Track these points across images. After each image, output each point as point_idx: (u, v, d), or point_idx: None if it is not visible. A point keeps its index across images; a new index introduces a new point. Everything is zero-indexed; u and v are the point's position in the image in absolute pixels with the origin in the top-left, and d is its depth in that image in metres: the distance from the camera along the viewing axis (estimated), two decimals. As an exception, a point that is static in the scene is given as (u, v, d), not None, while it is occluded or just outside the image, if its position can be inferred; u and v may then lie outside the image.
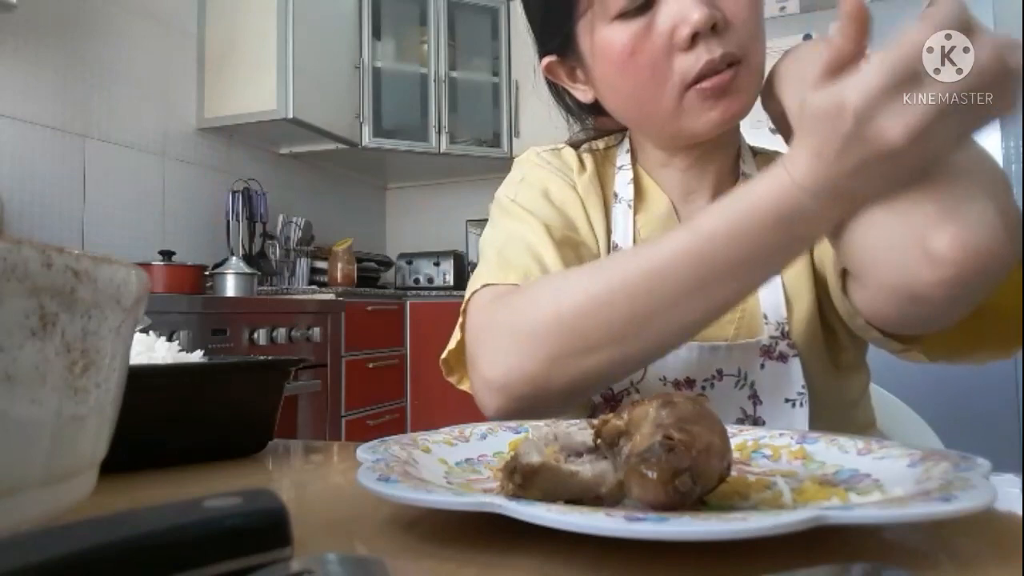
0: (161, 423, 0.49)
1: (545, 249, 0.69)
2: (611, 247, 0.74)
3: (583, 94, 0.75)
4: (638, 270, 0.53)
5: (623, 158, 0.79)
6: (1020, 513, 0.36)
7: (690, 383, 0.67)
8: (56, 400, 0.25)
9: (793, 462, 0.43)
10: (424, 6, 3.36)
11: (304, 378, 2.33)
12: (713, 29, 0.63)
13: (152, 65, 2.62)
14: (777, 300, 0.70)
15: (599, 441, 0.37)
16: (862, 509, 0.28)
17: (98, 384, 0.28)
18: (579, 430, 0.39)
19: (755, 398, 0.67)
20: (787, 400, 0.66)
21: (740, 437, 0.47)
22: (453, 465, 0.43)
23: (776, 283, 0.70)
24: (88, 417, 0.28)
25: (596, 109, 0.76)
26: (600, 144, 0.82)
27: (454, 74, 3.40)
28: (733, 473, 0.40)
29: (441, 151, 3.29)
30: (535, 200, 0.75)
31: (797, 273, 0.71)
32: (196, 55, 2.82)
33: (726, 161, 0.76)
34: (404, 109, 3.33)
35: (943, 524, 0.35)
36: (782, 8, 2.93)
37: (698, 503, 0.34)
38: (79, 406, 0.27)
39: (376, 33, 3.27)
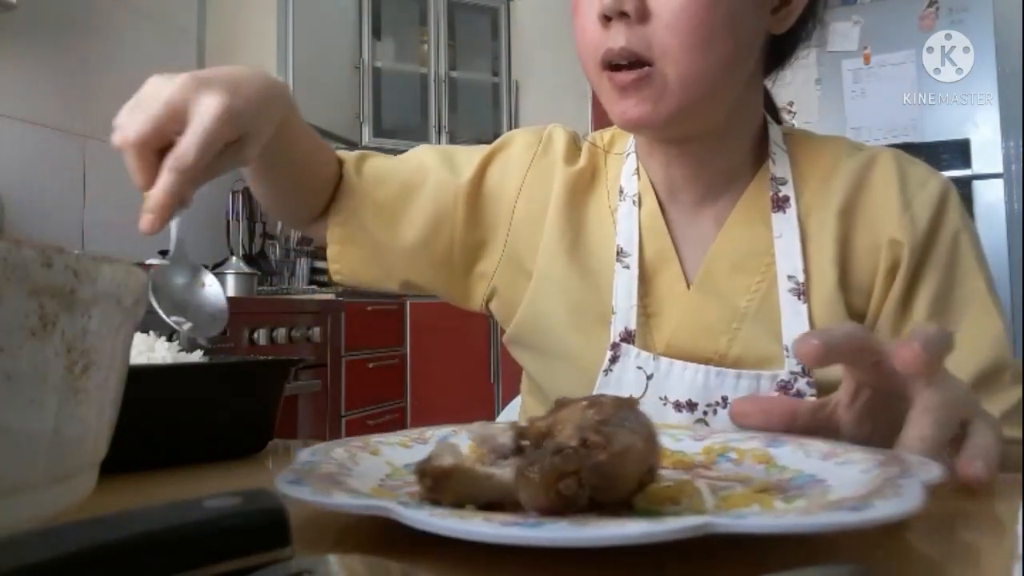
0: (161, 423, 0.49)
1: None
2: (618, 251, 0.69)
3: None
4: None
5: (630, 142, 0.74)
6: (1020, 513, 0.36)
7: (691, 406, 0.64)
8: (56, 400, 0.25)
9: (755, 466, 0.43)
10: (424, 6, 3.36)
11: (304, 378, 2.33)
12: (627, 15, 0.59)
13: (152, 65, 2.60)
14: (801, 332, 0.63)
15: (526, 443, 0.37)
16: (755, 518, 0.28)
17: (98, 384, 0.28)
18: (502, 432, 0.39)
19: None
20: None
21: (708, 440, 0.47)
22: (399, 467, 0.43)
23: (801, 312, 0.64)
24: (88, 417, 0.28)
25: None
26: (606, 136, 0.78)
27: (454, 74, 3.40)
28: (685, 477, 0.40)
29: (441, 151, 3.29)
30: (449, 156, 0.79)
31: (832, 313, 0.64)
32: (196, 55, 2.82)
33: (725, 159, 0.69)
34: (404, 109, 3.33)
35: (943, 524, 0.35)
36: (782, 8, 2.93)
37: (623, 506, 0.34)
38: (79, 406, 0.27)
39: (376, 33, 3.27)
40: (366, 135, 3.16)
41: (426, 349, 3.07)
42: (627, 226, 0.70)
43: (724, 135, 0.68)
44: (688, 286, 0.68)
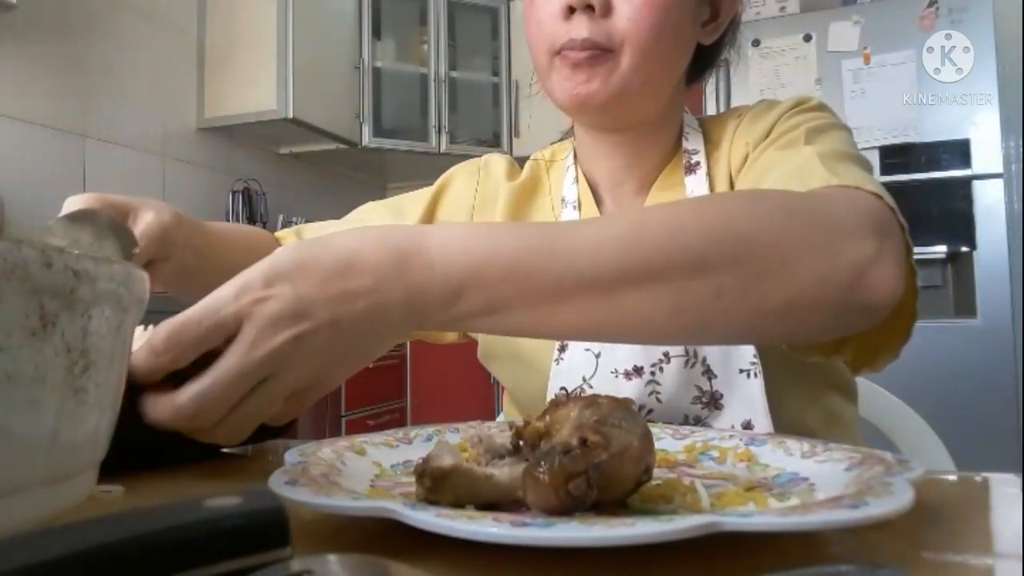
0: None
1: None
2: None
3: None
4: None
5: (569, 152, 0.80)
6: (1020, 513, 0.36)
7: (638, 371, 0.67)
8: (56, 400, 0.25)
9: (738, 464, 0.43)
10: (424, 6, 3.36)
11: (304, 378, 2.33)
12: (592, 8, 0.65)
13: (152, 65, 2.61)
14: None
15: (521, 443, 0.37)
16: (760, 516, 0.28)
17: (98, 384, 0.28)
18: (500, 432, 0.39)
19: (709, 373, 0.65)
20: (741, 371, 0.65)
21: (690, 439, 0.47)
22: (387, 468, 0.43)
23: None
24: (88, 417, 0.28)
25: None
26: (547, 152, 0.85)
27: (454, 74, 3.40)
28: (671, 475, 0.40)
29: (441, 151, 3.29)
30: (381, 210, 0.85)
31: None
32: (196, 55, 2.82)
33: (658, 150, 0.76)
34: (404, 109, 3.33)
35: (945, 524, 0.35)
36: (782, 8, 2.93)
37: (618, 506, 0.34)
38: (79, 406, 0.27)
39: (376, 33, 3.26)
40: (366, 135, 3.16)
41: (426, 349, 3.07)
42: None
43: (656, 127, 0.75)
44: None
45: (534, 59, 0.72)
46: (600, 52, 0.65)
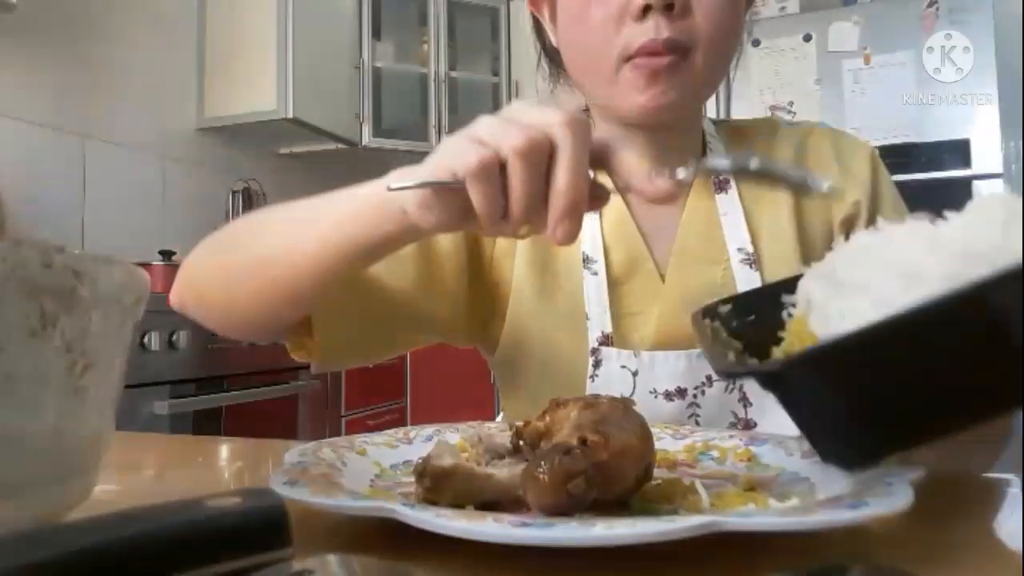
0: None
1: None
2: (584, 259, 0.70)
3: (554, 37, 0.73)
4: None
5: None
6: (1020, 513, 0.36)
7: (681, 392, 0.66)
8: (56, 400, 0.25)
9: (738, 464, 0.43)
10: (424, 6, 3.36)
11: (304, 378, 2.33)
12: (670, 8, 0.61)
13: (152, 65, 2.61)
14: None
15: (521, 443, 0.37)
16: (760, 516, 0.28)
17: (98, 384, 0.28)
18: (500, 432, 0.39)
19: (745, 400, 0.66)
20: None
21: (690, 439, 0.48)
22: (387, 468, 0.43)
23: (755, 280, 0.68)
24: (88, 417, 0.28)
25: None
26: None
27: (454, 74, 3.40)
28: (672, 475, 0.40)
29: (441, 151, 3.29)
30: None
31: (789, 272, 0.68)
32: (196, 55, 2.82)
33: (686, 145, 0.73)
34: (404, 109, 3.33)
35: (945, 524, 0.35)
36: (782, 8, 2.93)
37: (620, 505, 0.34)
38: (79, 406, 0.27)
39: (376, 33, 3.26)
40: (366, 135, 3.16)
41: (426, 350, 3.06)
42: (590, 233, 0.71)
43: (691, 121, 0.74)
44: (663, 279, 0.70)
45: (588, 66, 0.67)
46: (678, 58, 0.62)
